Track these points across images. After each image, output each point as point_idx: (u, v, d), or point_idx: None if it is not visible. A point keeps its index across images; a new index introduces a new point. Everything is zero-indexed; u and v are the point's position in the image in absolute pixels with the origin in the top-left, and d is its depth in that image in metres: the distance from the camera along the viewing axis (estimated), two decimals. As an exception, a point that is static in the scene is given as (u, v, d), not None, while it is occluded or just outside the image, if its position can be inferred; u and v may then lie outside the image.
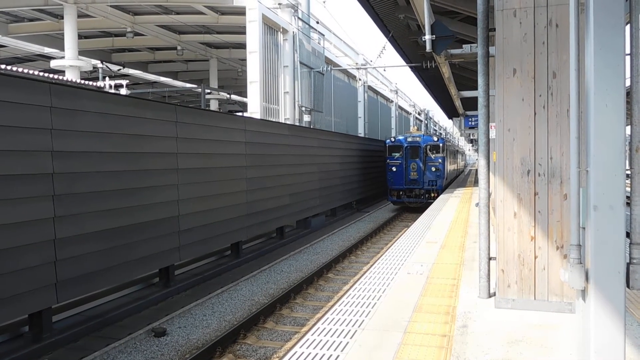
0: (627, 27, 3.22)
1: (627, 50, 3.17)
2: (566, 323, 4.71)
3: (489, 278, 5.59)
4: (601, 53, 3.05)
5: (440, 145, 21.27)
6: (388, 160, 21.72)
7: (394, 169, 21.50)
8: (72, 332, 6.69)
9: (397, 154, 21.50)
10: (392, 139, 22.04)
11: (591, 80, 3.09)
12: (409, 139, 21.64)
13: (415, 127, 24.67)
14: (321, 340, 4.48)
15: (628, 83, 3.28)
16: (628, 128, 3.47)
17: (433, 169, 21.12)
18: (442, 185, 21.27)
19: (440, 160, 21.15)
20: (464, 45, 8.69)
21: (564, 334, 4.47)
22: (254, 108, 16.50)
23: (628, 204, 3.27)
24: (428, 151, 21.19)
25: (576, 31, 3.32)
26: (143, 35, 20.99)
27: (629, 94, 3.28)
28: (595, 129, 3.09)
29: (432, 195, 20.89)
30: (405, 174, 21.36)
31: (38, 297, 6.02)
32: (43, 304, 6.15)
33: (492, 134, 6.17)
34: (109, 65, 22.13)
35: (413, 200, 21.37)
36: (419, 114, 53.07)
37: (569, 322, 4.71)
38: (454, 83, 16.76)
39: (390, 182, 21.70)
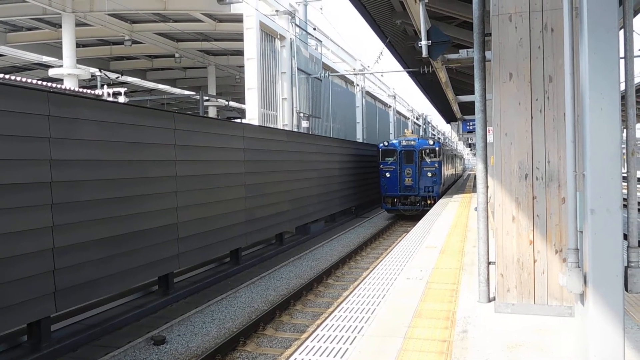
0: (621, 32, 3.24)
1: (621, 54, 3.19)
2: (566, 327, 4.70)
3: (488, 282, 5.58)
4: (595, 57, 3.06)
5: (437, 149, 20.20)
6: (381, 166, 20.53)
7: (387, 174, 20.32)
8: (71, 341, 6.66)
9: (391, 159, 20.33)
10: (386, 143, 20.89)
11: (586, 85, 3.11)
12: (403, 143, 20.44)
13: (410, 130, 23.29)
14: (321, 346, 4.47)
15: (623, 87, 3.30)
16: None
17: (429, 174, 19.96)
18: (439, 191, 20.27)
19: (436, 165, 19.99)
20: (460, 50, 8.71)
21: (564, 338, 4.46)
22: (252, 114, 16.53)
23: (625, 206, 3.28)
24: (424, 155, 20.06)
25: (570, 36, 3.34)
26: (141, 43, 21.06)
27: (623, 97, 3.30)
28: (591, 132, 3.10)
29: (429, 202, 19.76)
30: (400, 180, 20.16)
31: (36, 306, 6.00)
32: (42, 313, 6.12)
33: (490, 138, 6.17)
34: (107, 73, 22.19)
35: (408, 208, 20.24)
36: (417, 118, 53.16)
37: (569, 326, 4.70)
38: (451, 88, 16.82)
39: (384, 188, 20.51)
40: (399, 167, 20.25)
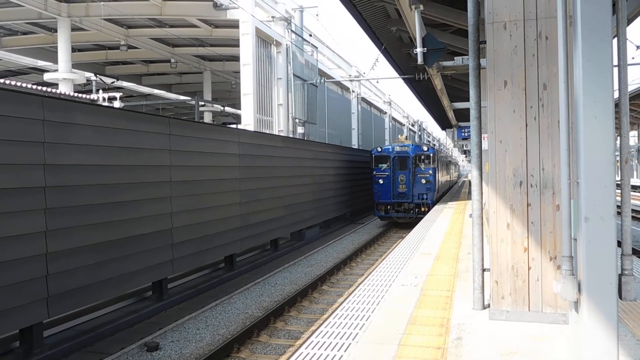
0: (615, 41, 3.26)
1: (615, 62, 3.21)
2: (560, 334, 4.70)
3: (483, 289, 5.58)
4: (589, 66, 3.08)
5: (431, 155, 19.81)
6: (374, 172, 20.14)
7: (380, 181, 19.95)
8: (63, 347, 6.60)
9: (384, 165, 19.95)
10: (379, 149, 20.45)
11: (580, 93, 3.12)
12: (397, 149, 19.98)
13: (404, 136, 22.35)
14: (315, 353, 4.45)
15: (616, 95, 3.32)
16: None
17: (423, 181, 19.56)
18: (433, 198, 19.83)
19: (430, 172, 19.60)
20: (455, 58, 8.76)
21: (559, 345, 4.46)
22: (248, 120, 16.54)
23: (619, 214, 3.29)
24: (417, 162, 19.68)
25: (564, 44, 3.37)
26: (137, 48, 21.05)
27: (617, 105, 3.32)
28: (585, 140, 3.11)
29: (423, 209, 19.37)
30: (393, 186, 19.77)
31: (29, 311, 5.95)
32: (34, 319, 6.07)
33: (485, 145, 6.20)
34: (103, 78, 22.13)
35: (402, 215, 19.88)
36: (413, 125, 53.32)
37: (564, 333, 4.70)
38: (447, 94, 16.85)
39: (376, 195, 20.11)
40: (392, 174, 19.87)
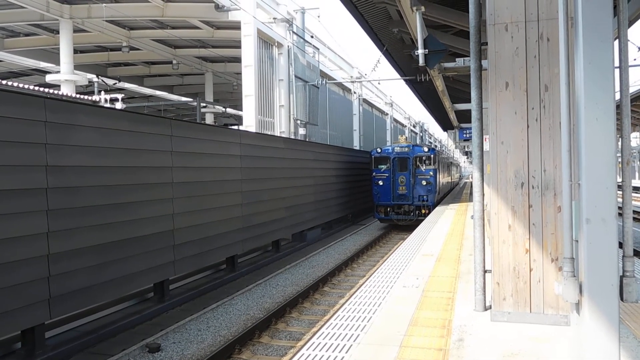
0: (616, 42, 3.26)
1: (616, 64, 3.21)
2: (562, 336, 4.69)
3: (484, 291, 5.58)
4: (590, 67, 3.08)
5: (432, 156, 19.47)
6: (374, 173, 19.85)
7: (380, 182, 19.68)
8: (65, 348, 6.61)
9: (384, 166, 19.67)
10: (379, 150, 20.14)
11: (581, 95, 3.12)
12: (397, 150, 19.68)
13: (404, 137, 21.95)
14: (316, 355, 4.45)
15: (618, 96, 3.32)
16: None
17: (424, 182, 19.26)
18: (433, 200, 19.56)
19: (431, 173, 19.28)
20: (457, 59, 8.74)
21: (560, 346, 4.46)
22: (250, 121, 16.57)
23: (620, 215, 3.29)
24: (418, 163, 19.36)
25: (566, 45, 3.37)
26: (138, 49, 21.11)
27: (618, 107, 3.32)
28: (586, 142, 3.11)
29: (423, 211, 19.11)
30: (393, 188, 19.50)
31: (31, 313, 5.95)
32: (36, 320, 6.08)
33: (486, 146, 6.19)
34: (105, 79, 22.19)
35: (402, 218, 19.62)
36: (414, 126, 53.32)
37: (565, 334, 4.70)
38: (448, 96, 16.85)
39: (376, 197, 19.82)
40: (392, 175, 19.61)
